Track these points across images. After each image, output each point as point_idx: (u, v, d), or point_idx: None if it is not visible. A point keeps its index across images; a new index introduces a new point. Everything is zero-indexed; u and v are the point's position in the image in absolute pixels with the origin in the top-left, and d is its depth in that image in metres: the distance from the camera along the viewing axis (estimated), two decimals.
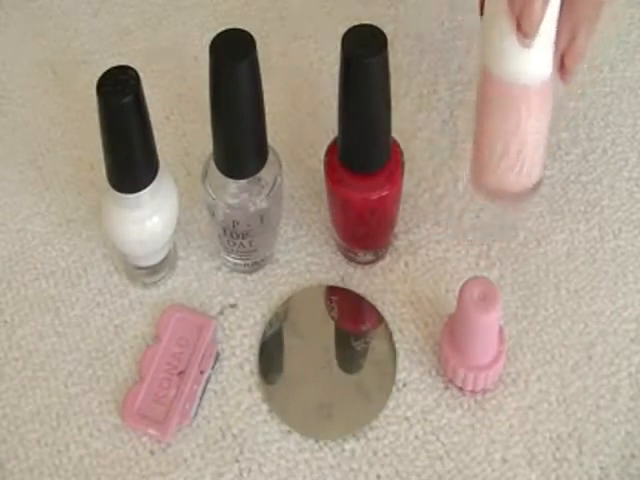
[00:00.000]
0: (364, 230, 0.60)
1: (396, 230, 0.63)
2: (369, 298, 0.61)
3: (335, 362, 0.59)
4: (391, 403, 0.57)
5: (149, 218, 0.56)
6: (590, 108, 0.69)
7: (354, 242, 0.61)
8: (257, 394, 0.58)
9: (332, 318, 0.61)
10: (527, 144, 0.54)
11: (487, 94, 0.54)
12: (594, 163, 0.67)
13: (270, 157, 0.57)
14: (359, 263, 0.63)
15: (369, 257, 0.62)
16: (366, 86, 0.52)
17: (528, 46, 0.50)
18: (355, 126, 0.54)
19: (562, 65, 0.54)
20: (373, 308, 0.61)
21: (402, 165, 0.57)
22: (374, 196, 0.56)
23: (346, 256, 0.63)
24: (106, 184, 0.55)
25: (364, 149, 0.55)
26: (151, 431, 0.56)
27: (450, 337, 0.56)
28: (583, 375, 0.58)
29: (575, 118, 0.69)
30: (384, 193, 0.57)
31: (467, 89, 0.69)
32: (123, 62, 0.52)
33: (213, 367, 0.59)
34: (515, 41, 0.51)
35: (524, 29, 0.50)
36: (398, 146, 0.58)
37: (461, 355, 0.55)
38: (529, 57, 0.51)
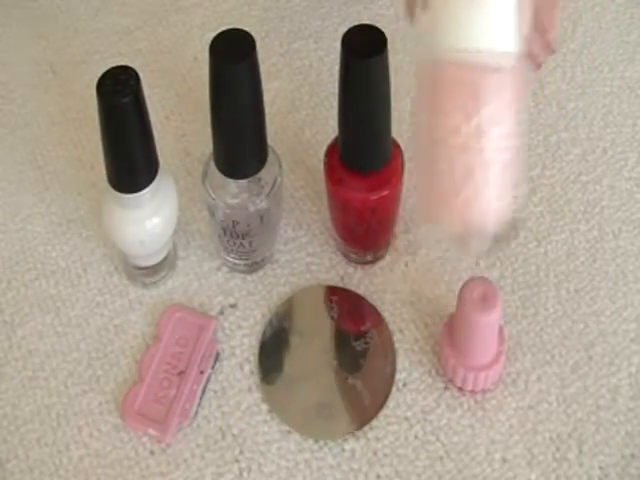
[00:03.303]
0: (364, 230, 0.60)
1: (396, 230, 0.63)
2: (369, 298, 0.61)
3: (335, 362, 0.59)
4: (391, 403, 0.57)
5: (149, 218, 0.56)
6: (590, 108, 0.69)
7: (354, 242, 0.61)
8: (257, 394, 0.58)
9: (332, 318, 0.61)
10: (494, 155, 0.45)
11: (437, 87, 0.45)
12: (594, 163, 0.67)
13: (270, 157, 0.57)
14: (359, 263, 0.63)
15: (369, 257, 0.62)
16: (366, 86, 0.52)
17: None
18: (355, 126, 0.54)
19: (531, 54, 0.47)
20: (373, 308, 0.61)
21: (402, 165, 0.57)
22: (374, 196, 0.56)
23: (346, 256, 0.63)
24: (106, 184, 0.55)
25: (364, 149, 0.55)
26: (151, 431, 0.56)
27: (450, 337, 0.56)
28: (583, 375, 0.58)
29: (575, 118, 0.69)
30: (384, 193, 0.57)
31: None
32: (123, 62, 0.52)
33: (213, 367, 0.59)
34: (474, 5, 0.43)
35: None
36: (398, 146, 0.58)
37: (461, 355, 0.55)
38: (492, 23, 0.43)
